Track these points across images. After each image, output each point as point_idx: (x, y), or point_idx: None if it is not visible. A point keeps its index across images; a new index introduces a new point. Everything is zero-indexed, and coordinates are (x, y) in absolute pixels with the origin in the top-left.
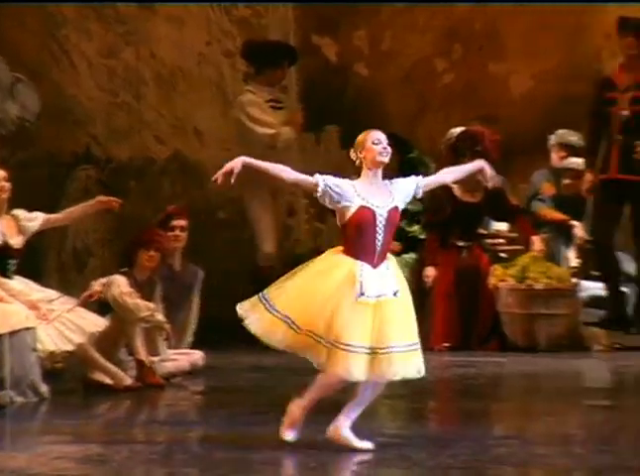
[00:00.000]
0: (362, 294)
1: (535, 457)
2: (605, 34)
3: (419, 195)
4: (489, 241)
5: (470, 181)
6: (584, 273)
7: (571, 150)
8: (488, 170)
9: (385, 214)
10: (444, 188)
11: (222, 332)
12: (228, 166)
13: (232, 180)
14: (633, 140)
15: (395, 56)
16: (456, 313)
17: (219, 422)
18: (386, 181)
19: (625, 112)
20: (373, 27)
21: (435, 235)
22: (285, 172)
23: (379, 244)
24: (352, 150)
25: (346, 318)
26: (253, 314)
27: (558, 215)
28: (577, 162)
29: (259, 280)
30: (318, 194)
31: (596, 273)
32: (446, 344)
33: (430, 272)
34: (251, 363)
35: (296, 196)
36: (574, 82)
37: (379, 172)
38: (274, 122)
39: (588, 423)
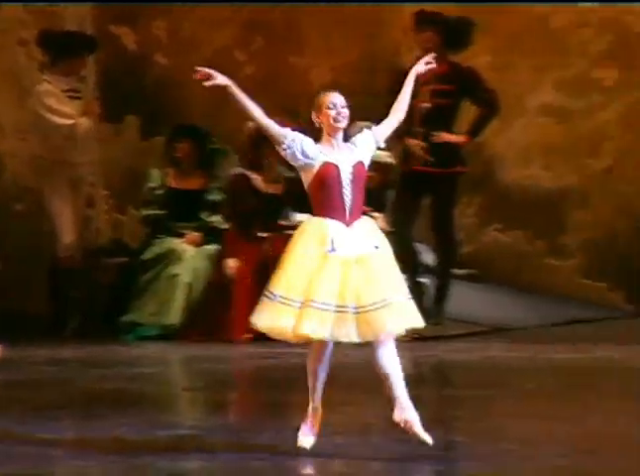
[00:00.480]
0: (332, 249)
1: (334, 447)
2: (403, 29)
3: (382, 145)
4: (291, 232)
5: (271, 173)
6: None
7: None
8: (419, 66)
9: (351, 169)
10: (245, 179)
11: (19, 324)
12: (215, 73)
13: (206, 84)
14: (434, 132)
15: (197, 44)
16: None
17: (16, 417)
18: (347, 143)
19: (426, 104)
20: (171, 17)
21: (236, 226)
22: (258, 112)
23: (348, 200)
24: (313, 113)
25: (317, 276)
26: (261, 312)
27: None
28: (379, 154)
29: (58, 270)
30: (283, 147)
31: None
32: (248, 335)
33: (231, 263)
34: (47, 356)
35: (96, 188)
36: (373, 76)
37: (339, 135)
38: (72, 112)
39: (387, 414)
